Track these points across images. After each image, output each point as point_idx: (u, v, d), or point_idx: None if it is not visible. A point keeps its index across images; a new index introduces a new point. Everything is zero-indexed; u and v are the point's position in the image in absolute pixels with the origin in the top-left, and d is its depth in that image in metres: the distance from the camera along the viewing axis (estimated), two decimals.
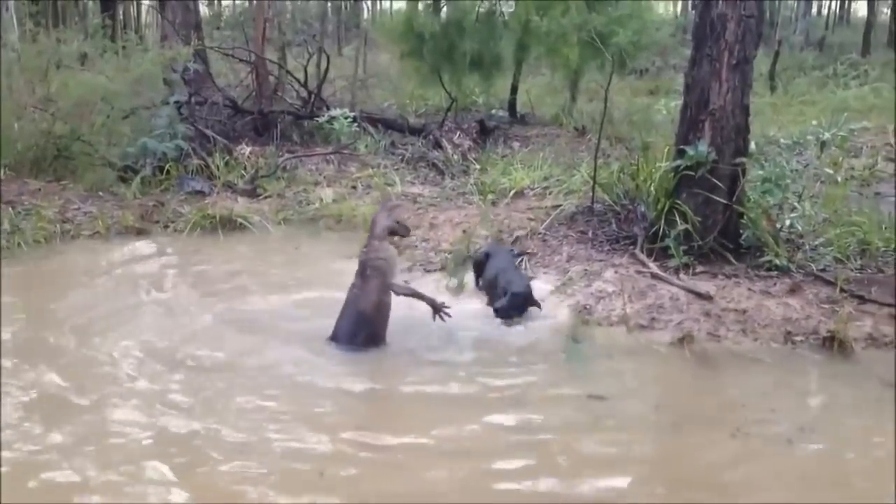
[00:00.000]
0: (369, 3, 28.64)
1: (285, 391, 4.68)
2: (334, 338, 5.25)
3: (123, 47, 10.46)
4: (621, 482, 3.95)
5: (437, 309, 5.31)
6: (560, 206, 7.72)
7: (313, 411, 4.47)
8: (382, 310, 5.27)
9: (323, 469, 3.88)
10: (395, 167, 9.93)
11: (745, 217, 6.52)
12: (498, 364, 5.16)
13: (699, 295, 5.84)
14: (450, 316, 5.32)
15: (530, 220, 7.49)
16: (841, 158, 9.36)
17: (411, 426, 4.41)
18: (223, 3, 28.73)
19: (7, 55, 9.83)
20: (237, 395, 4.63)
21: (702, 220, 6.32)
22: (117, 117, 9.21)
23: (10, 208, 7.63)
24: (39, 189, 8.24)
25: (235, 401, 4.56)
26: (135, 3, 21.15)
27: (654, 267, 6.24)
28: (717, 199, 6.29)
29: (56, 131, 8.83)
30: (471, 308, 5.92)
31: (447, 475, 3.94)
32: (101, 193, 8.42)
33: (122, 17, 18.69)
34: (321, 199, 8.55)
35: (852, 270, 6.22)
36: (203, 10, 17.96)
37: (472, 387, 4.83)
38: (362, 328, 5.22)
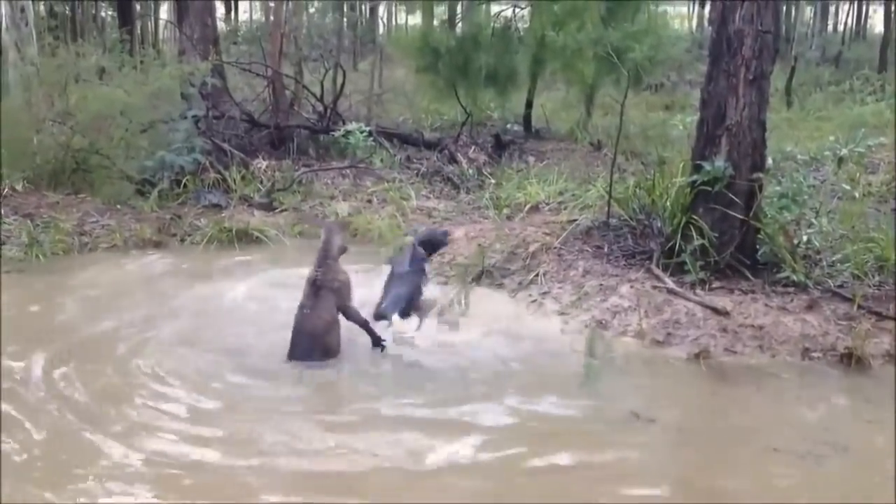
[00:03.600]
0: (385, 18, 28.78)
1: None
2: (291, 357, 5.27)
3: (141, 62, 10.52)
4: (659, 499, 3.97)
5: (376, 343, 5.45)
6: (575, 220, 7.69)
7: None
8: (335, 327, 5.34)
9: None
10: (411, 181, 9.95)
11: (761, 233, 6.49)
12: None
13: (716, 310, 5.81)
14: (384, 349, 5.45)
15: (545, 234, 7.46)
16: (858, 174, 9.34)
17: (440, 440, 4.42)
18: (240, 18, 28.95)
19: (26, 69, 9.92)
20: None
21: (718, 235, 6.29)
22: (135, 131, 9.26)
23: (29, 221, 7.72)
24: (58, 202, 8.30)
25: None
26: (153, 18, 21.31)
27: (670, 282, 6.21)
28: (734, 214, 6.26)
29: (74, 145, 8.89)
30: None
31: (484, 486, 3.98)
32: (118, 206, 8.47)
33: (140, 31, 18.83)
34: (337, 213, 8.58)
35: (870, 287, 6.16)
36: (220, 25, 18.08)
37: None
38: (317, 345, 5.26)
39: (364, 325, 5.46)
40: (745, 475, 4.15)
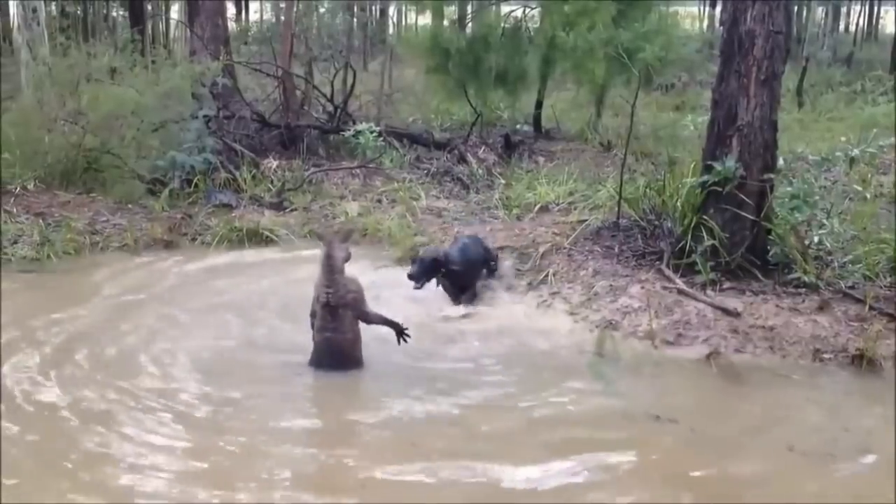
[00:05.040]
0: (395, 18, 28.78)
1: None
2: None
3: (153, 62, 10.55)
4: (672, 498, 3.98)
5: (400, 332, 5.33)
6: (585, 221, 7.68)
7: None
8: (358, 340, 5.29)
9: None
10: (420, 181, 9.95)
11: (772, 233, 6.48)
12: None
13: (726, 311, 5.80)
14: (409, 338, 5.34)
15: (555, 234, 7.46)
16: (870, 175, 9.30)
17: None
18: (251, 18, 29.00)
19: (38, 69, 9.96)
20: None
21: (729, 235, 6.28)
22: (146, 131, 9.29)
23: (41, 220, 7.74)
24: (69, 201, 8.33)
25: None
26: (164, 18, 21.36)
27: (680, 283, 6.20)
28: (745, 214, 6.26)
29: (86, 144, 8.91)
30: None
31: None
32: (130, 206, 8.49)
33: (151, 31, 18.87)
34: (347, 213, 8.58)
35: (881, 288, 6.15)
36: (231, 25, 18.11)
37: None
38: (343, 362, 5.22)
39: (385, 322, 5.37)
40: (760, 475, 4.15)
